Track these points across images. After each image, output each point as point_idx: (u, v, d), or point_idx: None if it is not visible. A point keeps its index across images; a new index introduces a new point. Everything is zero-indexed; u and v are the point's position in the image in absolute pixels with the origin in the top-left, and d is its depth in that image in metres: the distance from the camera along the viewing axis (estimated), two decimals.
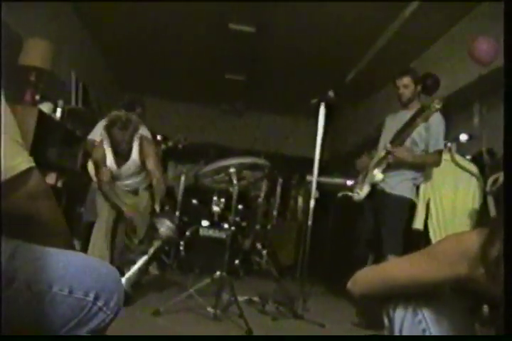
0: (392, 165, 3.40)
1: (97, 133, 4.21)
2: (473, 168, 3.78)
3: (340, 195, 3.66)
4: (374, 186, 3.47)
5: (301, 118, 8.20)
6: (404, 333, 1.12)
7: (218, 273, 3.04)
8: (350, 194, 3.58)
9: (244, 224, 5.49)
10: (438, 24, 4.88)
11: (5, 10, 3.50)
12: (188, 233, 5.02)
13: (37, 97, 4.10)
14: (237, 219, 5.27)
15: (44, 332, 0.93)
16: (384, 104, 5.92)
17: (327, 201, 4.61)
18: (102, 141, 3.80)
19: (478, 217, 3.65)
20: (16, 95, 3.96)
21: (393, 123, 3.57)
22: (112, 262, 3.59)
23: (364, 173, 3.60)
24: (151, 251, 3.31)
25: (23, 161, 0.90)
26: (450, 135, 3.80)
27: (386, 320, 1.18)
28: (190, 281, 3.65)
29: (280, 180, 6.35)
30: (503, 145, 0.99)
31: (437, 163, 3.51)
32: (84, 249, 3.79)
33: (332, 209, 5.18)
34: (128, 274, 3.11)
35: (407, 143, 3.38)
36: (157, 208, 3.78)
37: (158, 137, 5.23)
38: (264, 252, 5.29)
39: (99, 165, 3.78)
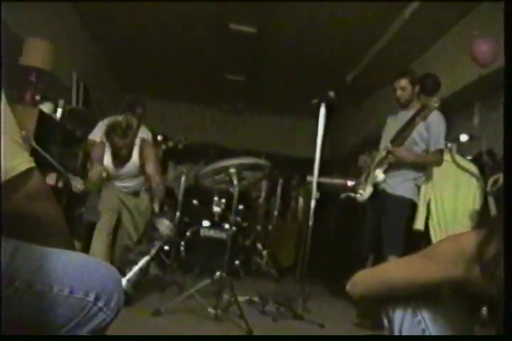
0: (393, 165, 3.40)
1: (98, 134, 4.22)
2: (474, 169, 3.78)
3: (343, 196, 3.64)
4: (376, 186, 3.46)
5: (302, 119, 8.20)
6: (404, 334, 1.12)
7: (219, 273, 3.04)
8: (353, 195, 3.57)
9: (244, 224, 5.50)
10: (438, 24, 4.87)
11: (5, 10, 3.51)
12: (188, 233, 5.03)
13: (37, 97, 4.11)
14: (238, 219, 5.27)
15: (44, 332, 0.94)
16: (384, 105, 5.91)
17: (328, 201, 4.61)
18: (102, 141, 3.81)
19: (478, 217, 3.65)
20: (17, 95, 3.96)
21: (394, 124, 3.57)
22: (112, 263, 3.59)
23: (366, 174, 3.59)
24: (153, 251, 3.31)
25: (24, 162, 0.90)
26: (450, 135, 3.80)
27: (386, 321, 1.18)
28: (191, 281, 3.65)
29: (281, 181, 6.36)
30: (503, 146, 0.99)
31: (439, 162, 3.50)
32: (85, 249, 3.79)
33: (333, 209, 5.19)
34: (129, 275, 3.12)
35: (408, 142, 3.38)
36: (156, 208, 3.78)
37: (159, 137, 5.23)
38: (265, 252, 5.30)
39: (94, 162, 3.79)
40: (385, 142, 3.55)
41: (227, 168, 3.20)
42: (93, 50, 6.40)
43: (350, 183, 4.14)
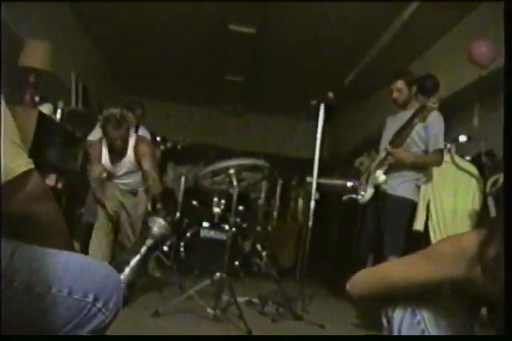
0: (393, 166, 3.40)
1: (97, 135, 4.22)
2: (473, 169, 3.78)
3: (345, 198, 3.64)
4: (377, 188, 3.46)
5: (301, 120, 8.17)
6: (403, 334, 1.12)
7: (218, 274, 3.04)
8: (354, 197, 3.57)
9: (244, 225, 5.49)
10: (438, 25, 4.88)
11: (5, 11, 3.51)
12: (188, 234, 5.02)
13: (37, 98, 4.10)
14: (238, 220, 5.26)
15: (43, 332, 0.94)
16: (384, 105, 5.90)
17: (327, 202, 4.61)
18: (100, 139, 3.83)
19: (478, 218, 3.65)
20: (16, 96, 3.96)
21: (393, 124, 3.57)
22: (112, 263, 3.59)
23: (366, 175, 3.59)
24: (143, 250, 3.29)
25: (23, 163, 0.90)
26: (450, 136, 3.80)
27: (385, 321, 1.18)
28: (190, 282, 3.65)
29: (280, 182, 6.35)
30: (503, 147, 0.99)
31: (439, 163, 3.49)
32: (84, 250, 3.79)
33: (332, 210, 5.19)
34: (122, 275, 3.11)
35: (407, 143, 3.38)
36: (149, 206, 3.79)
37: (158, 138, 5.23)
38: (264, 253, 5.29)
39: (93, 161, 3.80)
40: (384, 143, 3.55)
41: (227, 168, 3.20)
42: (92, 51, 6.41)
43: (349, 184, 4.14)
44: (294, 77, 6.89)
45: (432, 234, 3.69)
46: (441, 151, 3.46)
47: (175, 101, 8.71)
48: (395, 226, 3.39)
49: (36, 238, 0.98)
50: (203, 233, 5.04)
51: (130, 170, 3.85)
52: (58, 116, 4.51)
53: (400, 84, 3.45)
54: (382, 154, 3.47)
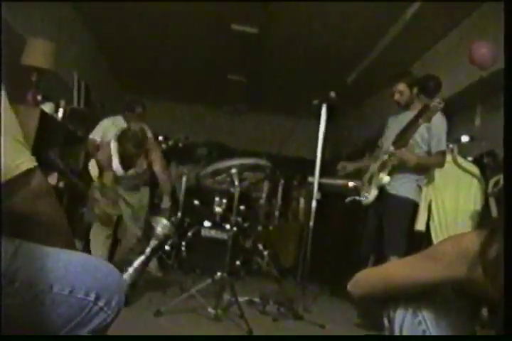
0: (396, 168, 3.38)
1: (99, 133, 4.23)
2: (475, 170, 3.78)
3: (348, 200, 3.62)
4: (380, 189, 3.45)
5: (303, 119, 8.17)
6: (404, 334, 1.12)
7: (219, 273, 3.04)
8: (358, 198, 3.56)
9: (246, 224, 5.49)
10: (439, 26, 4.87)
11: (7, 10, 3.51)
12: (189, 233, 5.02)
13: (39, 97, 4.10)
14: (239, 219, 5.26)
15: (45, 332, 0.94)
16: (386, 105, 5.90)
17: (329, 202, 4.60)
18: (108, 144, 3.82)
19: (479, 218, 3.65)
20: (18, 95, 3.96)
21: (395, 125, 3.54)
22: (112, 262, 3.59)
23: (368, 176, 3.58)
24: (148, 250, 3.29)
25: (26, 161, 0.90)
26: (452, 136, 3.80)
27: (386, 321, 1.18)
28: (191, 282, 3.65)
29: (282, 181, 6.35)
30: (504, 147, 0.99)
31: (441, 164, 3.47)
32: (86, 249, 3.79)
33: (334, 210, 5.18)
34: (125, 275, 3.11)
35: (410, 144, 3.36)
36: (167, 204, 3.83)
37: (160, 138, 5.24)
38: (266, 253, 5.29)
39: (104, 167, 3.80)
40: (387, 143, 3.52)
41: (229, 168, 3.20)
42: (94, 50, 6.41)
43: (351, 184, 4.14)
44: (296, 77, 6.88)
45: (433, 234, 3.68)
46: (443, 153, 3.44)
47: (176, 101, 8.72)
48: (397, 227, 3.38)
49: (38, 236, 0.97)
50: (205, 232, 5.04)
51: (140, 173, 3.88)
52: (60, 115, 4.51)
53: (401, 86, 3.44)
54: (385, 156, 3.44)
